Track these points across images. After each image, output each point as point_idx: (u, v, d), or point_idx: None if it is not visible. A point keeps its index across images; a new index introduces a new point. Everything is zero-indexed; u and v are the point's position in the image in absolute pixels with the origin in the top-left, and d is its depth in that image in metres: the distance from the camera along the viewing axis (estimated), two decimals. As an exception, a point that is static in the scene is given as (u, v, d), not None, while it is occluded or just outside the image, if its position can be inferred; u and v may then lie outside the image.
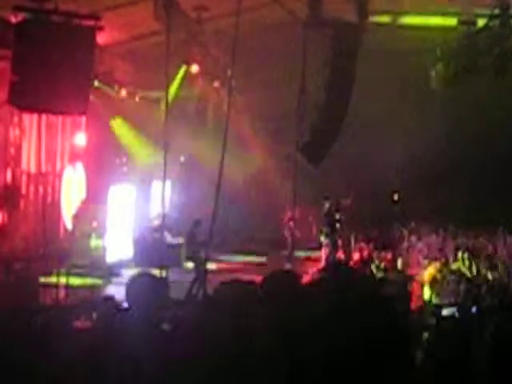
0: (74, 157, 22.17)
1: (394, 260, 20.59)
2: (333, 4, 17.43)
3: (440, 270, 18.02)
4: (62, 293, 16.74)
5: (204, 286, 17.38)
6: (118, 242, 22.22)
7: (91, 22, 15.39)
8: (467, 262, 19.26)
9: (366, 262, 20.67)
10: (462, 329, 5.82)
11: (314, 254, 23.90)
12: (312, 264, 21.74)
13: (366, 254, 21.79)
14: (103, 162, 22.81)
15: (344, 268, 5.42)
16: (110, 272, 20.51)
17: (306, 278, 5.71)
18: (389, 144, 24.20)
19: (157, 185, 24.24)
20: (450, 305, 14.26)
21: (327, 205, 23.11)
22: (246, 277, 7.85)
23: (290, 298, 4.66)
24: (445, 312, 12.38)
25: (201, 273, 18.24)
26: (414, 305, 14.66)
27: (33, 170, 20.11)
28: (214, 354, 4.56)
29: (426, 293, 16.79)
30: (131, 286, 5.97)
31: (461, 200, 24.90)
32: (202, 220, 19.17)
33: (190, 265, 19.85)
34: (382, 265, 19.66)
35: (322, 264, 21.40)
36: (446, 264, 19.16)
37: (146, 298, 5.74)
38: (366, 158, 25.41)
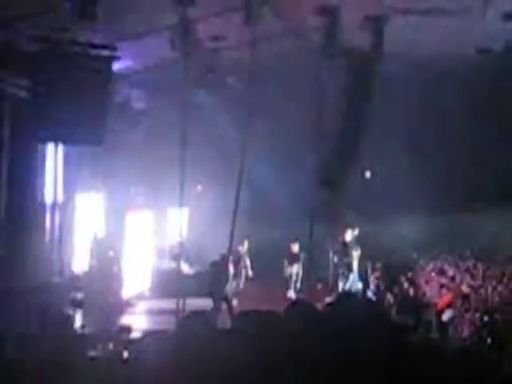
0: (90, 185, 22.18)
1: (411, 288, 20.44)
2: (348, 33, 17.42)
3: (456, 298, 17.95)
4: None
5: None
6: (135, 271, 22.17)
7: (108, 52, 15.47)
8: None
9: (382, 291, 20.56)
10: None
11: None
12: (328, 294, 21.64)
13: (382, 282, 21.65)
14: (119, 190, 22.80)
15: (356, 298, 5.37)
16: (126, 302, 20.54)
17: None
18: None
19: (173, 213, 24.23)
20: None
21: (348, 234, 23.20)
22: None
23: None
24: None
25: (218, 305, 18.27)
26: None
27: (48, 199, 20.02)
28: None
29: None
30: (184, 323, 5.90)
31: (481, 227, 24.68)
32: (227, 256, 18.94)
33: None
34: (399, 293, 19.52)
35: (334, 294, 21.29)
36: (461, 292, 19.00)
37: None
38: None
